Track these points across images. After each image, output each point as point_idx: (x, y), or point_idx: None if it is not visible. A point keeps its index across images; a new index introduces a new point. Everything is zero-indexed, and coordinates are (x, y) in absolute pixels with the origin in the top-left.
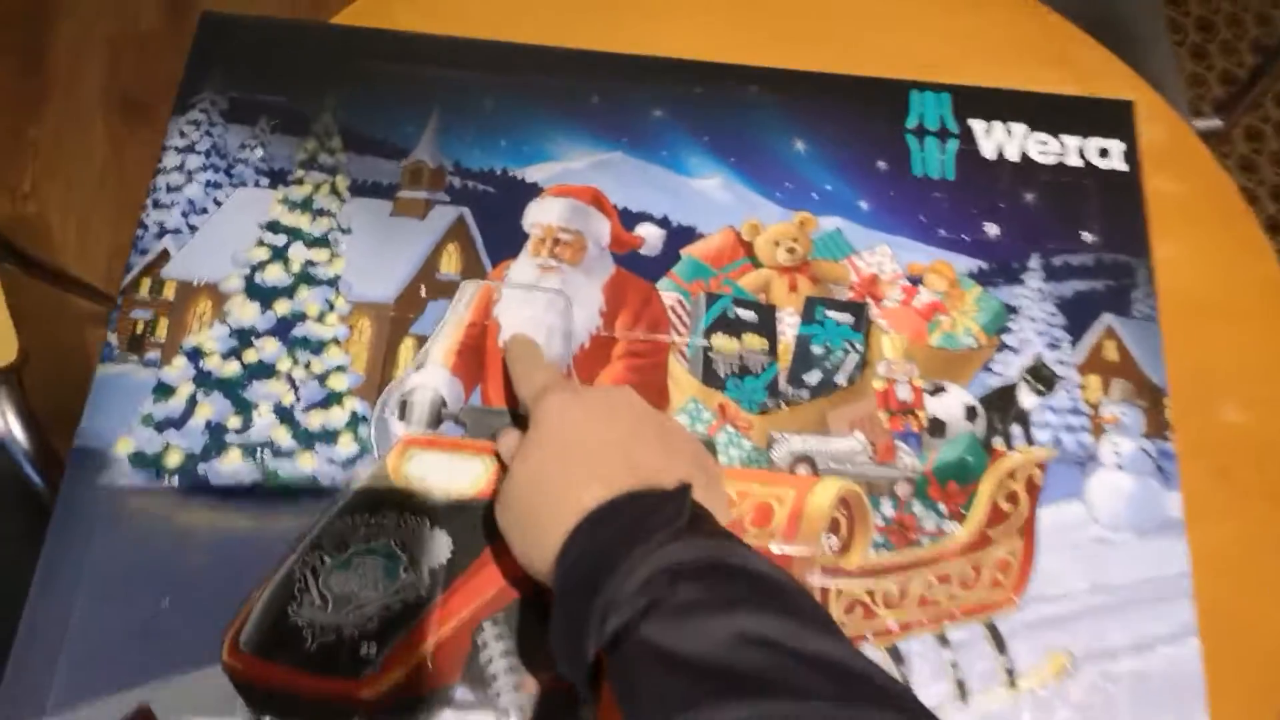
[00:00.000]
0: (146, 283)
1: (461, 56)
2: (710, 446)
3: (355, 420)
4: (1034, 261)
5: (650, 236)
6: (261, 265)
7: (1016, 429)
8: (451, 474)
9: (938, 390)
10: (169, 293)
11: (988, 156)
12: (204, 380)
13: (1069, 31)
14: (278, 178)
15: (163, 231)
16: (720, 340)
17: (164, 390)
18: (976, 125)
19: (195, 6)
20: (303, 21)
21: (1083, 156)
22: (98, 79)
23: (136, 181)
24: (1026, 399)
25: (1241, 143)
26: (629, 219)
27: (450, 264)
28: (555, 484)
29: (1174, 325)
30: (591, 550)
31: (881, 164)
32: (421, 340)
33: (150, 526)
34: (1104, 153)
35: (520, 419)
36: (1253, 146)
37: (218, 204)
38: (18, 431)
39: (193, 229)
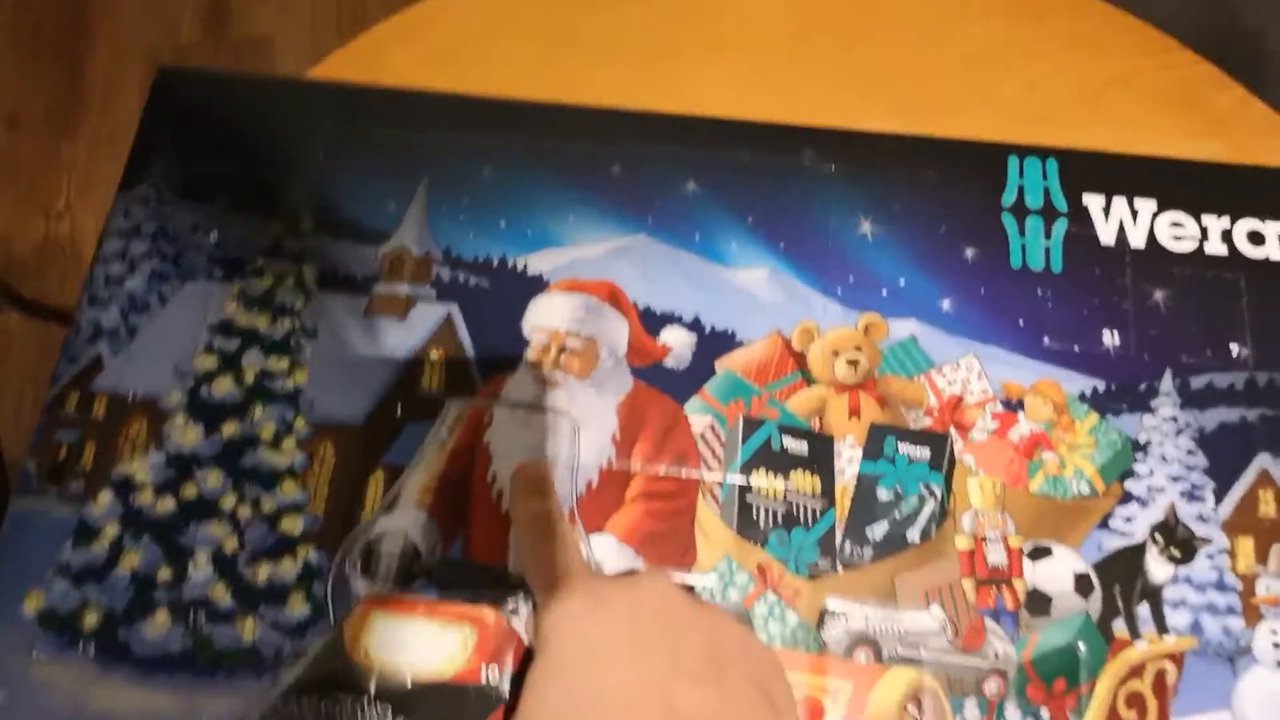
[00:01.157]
0: (74, 396)
1: (457, 116)
2: (745, 621)
3: (309, 574)
4: (1166, 382)
5: (678, 344)
6: (209, 376)
7: (1143, 609)
8: (422, 648)
9: (1040, 553)
10: (99, 409)
11: (1105, 242)
12: (133, 520)
13: (1200, 70)
14: (234, 268)
15: (98, 333)
16: (762, 479)
17: (86, 533)
18: (1091, 201)
19: (236, 17)
20: (272, 78)
21: (1228, 242)
22: (135, 94)
23: None
24: (1157, 569)
25: None
26: (652, 321)
27: (433, 377)
28: None
29: None
30: None
31: (970, 252)
32: (395, 473)
33: (58, 707)
34: (1256, 238)
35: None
36: None
37: (162, 300)
38: None
39: (132, 331)
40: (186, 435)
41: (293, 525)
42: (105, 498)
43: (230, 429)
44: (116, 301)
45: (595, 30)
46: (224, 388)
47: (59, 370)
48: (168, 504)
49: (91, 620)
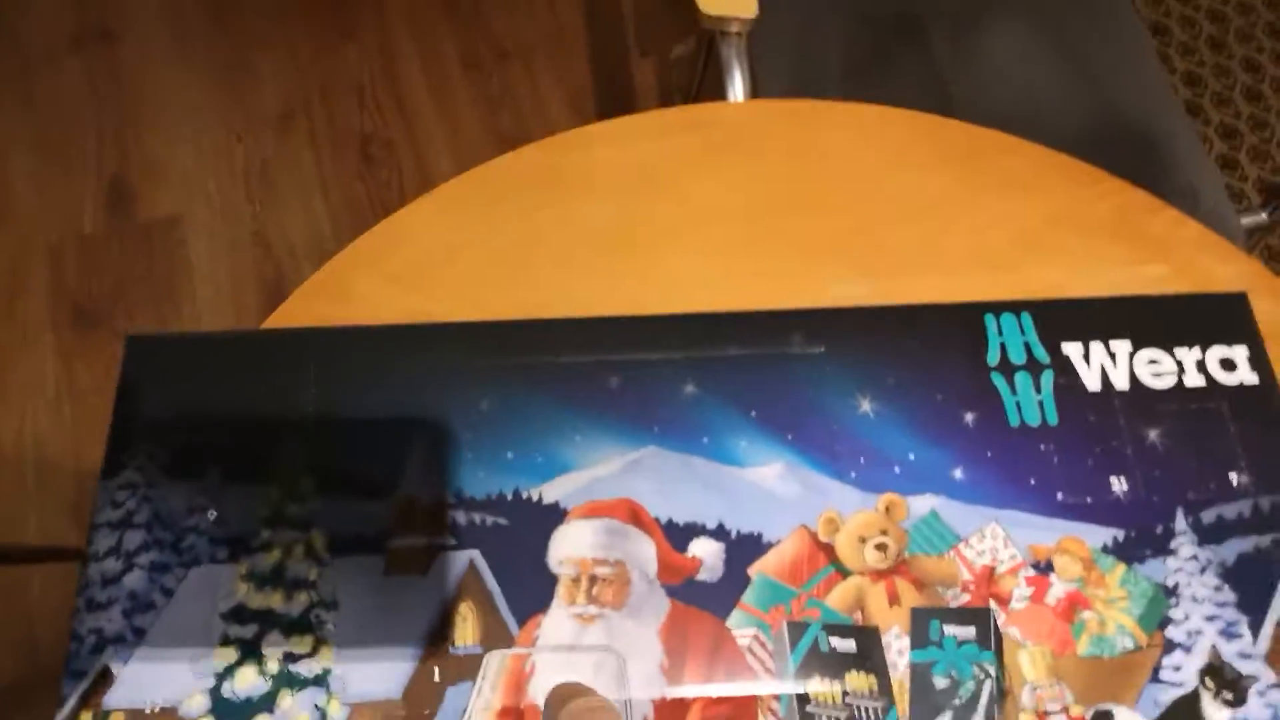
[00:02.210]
0: (86, 718)
1: (442, 346)
2: None
3: None
4: (1180, 521)
5: (707, 555)
6: (229, 671)
7: None
8: None
9: (1103, 719)
10: None
11: (1092, 389)
12: None
13: (1132, 197)
14: (239, 545)
15: (102, 642)
16: (818, 685)
17: None
18: (1071, 350)
19: (138, 200)
20: (246, 332)
21: (1204, 372)
22: (42, 293)
23: (93, 400)
24: (1216, 715)
25: None
26: (677, 534)
27: (467, 632)
28: None
29: None
30: None
31: (969, 416)
32: None
33: None
34: (1228, 364)
35: None
36: None
37: (167, 594)
38: None
39: (139, 633)
40: None
41: None
42: None
43: None
44: (117, 604)
45: (556, 231)
46: (248, 681)
47: (65, 690)
48: None
49: None
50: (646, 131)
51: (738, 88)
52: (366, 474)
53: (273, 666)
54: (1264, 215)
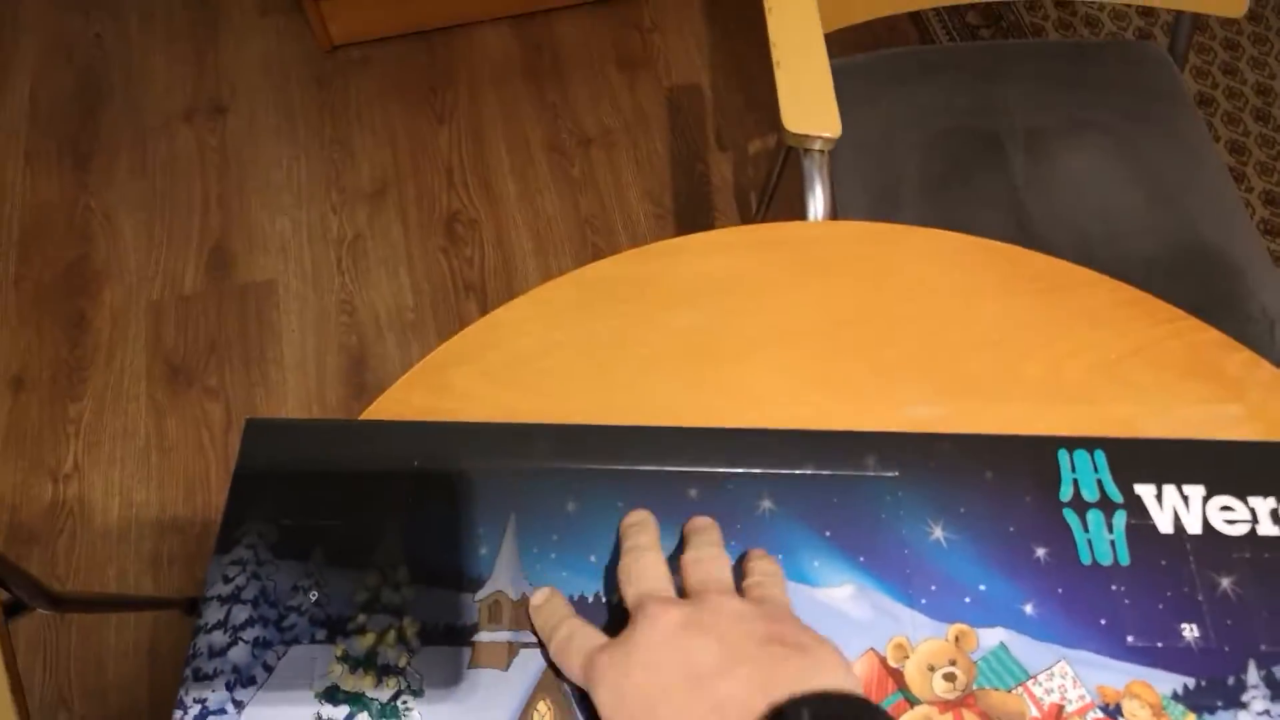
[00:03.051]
0: None
1: (535, 446)
2: None
3: None
4: (1252, 674)
5: None
6: None
7: None
8: None
9: None
10: None
11: (1165, 531)
12: None
13: (1207, 336)
14: (336, 627)
15: (204, 713)
16: None
17: None
18: (1144, 491)
19: (237, 264)
20: (355, 423)
21: (1278, 522)
22: (140, 349)
23: (179, 454)
24: None
25: None
26: None
27: None
28: None
29: None
30: None
31: (1040, 551)
32: None
33: None
34: None
35: None
36: None
37: (268, 669)
38: None
39: (239, 705)
40: None
41: None
42: None
43: None
44: (222, 676)
45: (642, 337)
46: None
47: None
48: None
49: None
50: (732, 246)
51: (819, 203)
52: (457, 566)
53: None
54: None
